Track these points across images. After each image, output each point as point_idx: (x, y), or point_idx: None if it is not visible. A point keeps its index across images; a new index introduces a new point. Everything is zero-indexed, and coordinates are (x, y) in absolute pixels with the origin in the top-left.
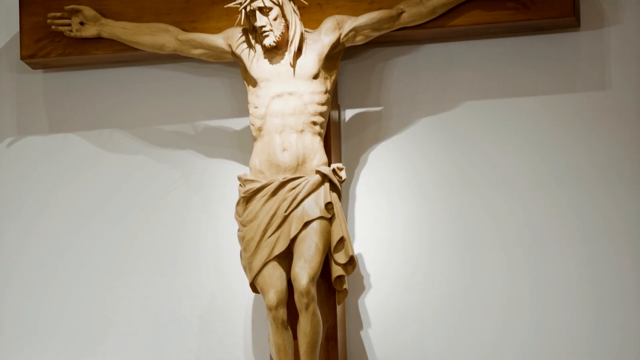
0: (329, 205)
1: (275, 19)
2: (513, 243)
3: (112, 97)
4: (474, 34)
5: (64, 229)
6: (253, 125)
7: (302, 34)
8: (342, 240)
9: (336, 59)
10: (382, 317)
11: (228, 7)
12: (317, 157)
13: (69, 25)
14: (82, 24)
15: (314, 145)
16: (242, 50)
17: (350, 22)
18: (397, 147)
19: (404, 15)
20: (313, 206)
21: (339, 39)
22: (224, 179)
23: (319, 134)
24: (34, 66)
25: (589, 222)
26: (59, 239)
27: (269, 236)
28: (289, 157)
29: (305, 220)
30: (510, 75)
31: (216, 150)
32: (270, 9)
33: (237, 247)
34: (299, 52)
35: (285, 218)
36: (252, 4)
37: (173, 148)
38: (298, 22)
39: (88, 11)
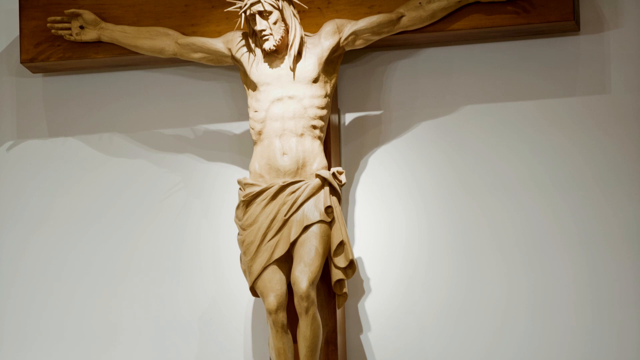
0: (328, 209)
1: (275, 23)
2: (512, 247)
3: (112, 101)
4: (474, 38)
5: (64, 234)
6: (253, 129)
7: (302, 38)
8: (341, 244)
9: (336, 62)
10: (381, 321)
11: (228, 11)
12: (317, 161)
13: (69, 29)
14: (82, 28)
15: (314, 149)
16: (242, 54)
17: (350, 26)
18: (397, 151)
19: (404, 19)
20: (313, 210)
21: (338, 42)
22: (224, 183)
23: (319, 137)
24: (34, 70)
25: (588, 226)
26: (58, 243)
27: (269, 240)
28: (289, 161)
29: (305, 224)
30: (510, 79)
31: (216, 154)
32: (270, 12)
33: (237, 251)
34: (298, 56)
35: (285, 222)
36: (252, 8)
37: (173, 152)
38: (298, 26)
39: (88, 15)
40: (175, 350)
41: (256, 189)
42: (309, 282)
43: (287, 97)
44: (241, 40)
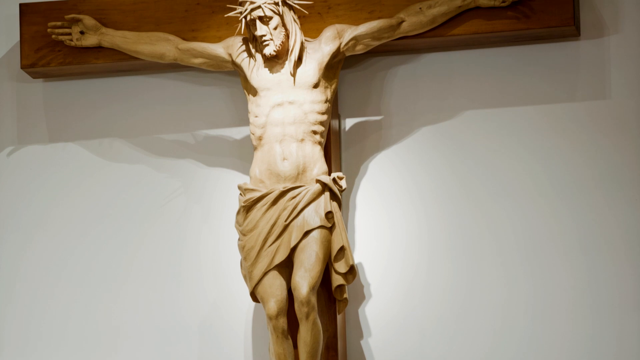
0: (329, 215)
1: (275, 28)
2: (512, 252)
3: (112, 106)
4: (474, 43)
5: (64, 239)
6: (253, 134)
7: (302, 43)
8: (342, 249)
9: (336, 68)
10: (382, 326)
11: (228, 16)
12: (318, 166)
13: (69, 34)
14: (82, 33)
15: (314, 155)
16: (243, 59)
17: (351, 31)
18: (397, 156)
19: (404, 25)
20: (313, 215)
21: (339, 48)
22: (224, 188)
23: (319, 143)
24: (34, 75)
25: (588, 231)
26: (59, 249)
27: (269, 245)
28: (289, 166)
29: (305, 230)
30: (510, 84)
31: (216, 160)
32: (271, 18)
33: (238, 256)
34: (299, 61)
35: (285, 227)
36: (252, 13)
37: (173, 157)
38: (298, 31)
39: (88, 20)
40: (175, 355)
41: (256, 195)
42: (310, 288)
43: (287, 103)
44: (241, 45)
